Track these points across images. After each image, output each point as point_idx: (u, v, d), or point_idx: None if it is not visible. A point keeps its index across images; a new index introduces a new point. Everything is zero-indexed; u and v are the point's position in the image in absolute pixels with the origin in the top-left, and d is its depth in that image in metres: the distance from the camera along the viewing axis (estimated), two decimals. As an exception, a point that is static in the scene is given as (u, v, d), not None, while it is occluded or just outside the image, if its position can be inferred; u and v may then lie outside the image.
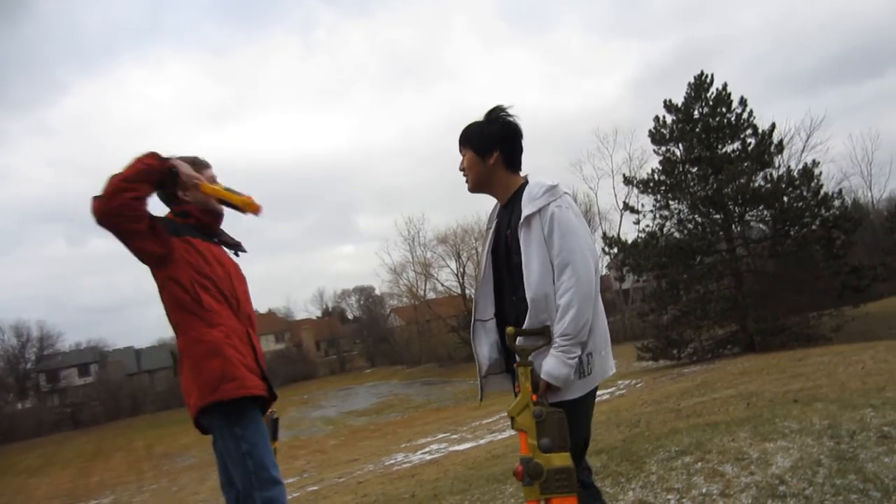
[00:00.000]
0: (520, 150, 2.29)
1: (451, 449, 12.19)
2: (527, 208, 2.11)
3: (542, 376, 2.02)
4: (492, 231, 2.32)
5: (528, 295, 2.09)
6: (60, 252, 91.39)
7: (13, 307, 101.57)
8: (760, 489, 2.93)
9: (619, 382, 18.49)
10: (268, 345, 57.97)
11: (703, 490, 3.05)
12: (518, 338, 2.08)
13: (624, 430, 6.71)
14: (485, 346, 2.28)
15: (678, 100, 21.51)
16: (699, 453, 3.79)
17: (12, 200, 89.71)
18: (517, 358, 2.06)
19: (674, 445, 4.16)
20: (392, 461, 12.09)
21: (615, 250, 23.18)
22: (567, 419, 1.97)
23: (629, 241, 22.19)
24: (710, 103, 21.00)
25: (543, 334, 2.05)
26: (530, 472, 1.89)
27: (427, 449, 13.17)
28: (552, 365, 2.01)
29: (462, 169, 2.31)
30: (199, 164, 2.54)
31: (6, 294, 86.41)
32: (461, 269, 45.88)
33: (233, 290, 2.47)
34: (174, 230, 2.37)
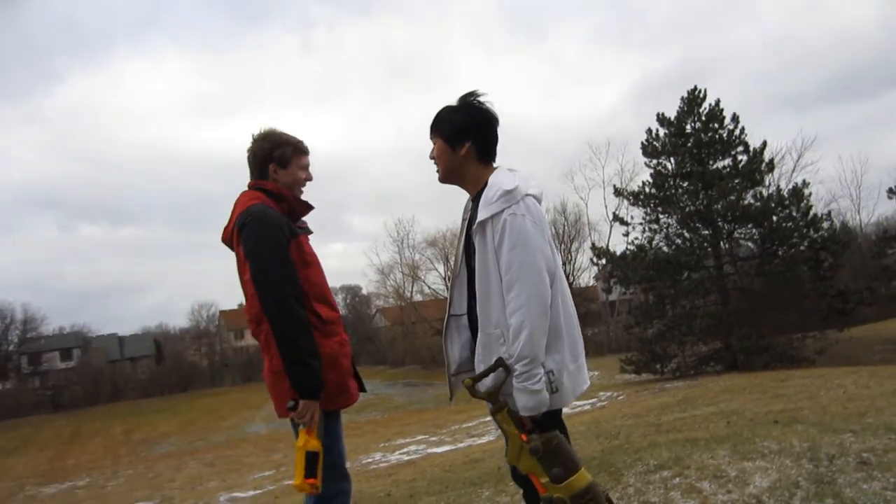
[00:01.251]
0: (494, 140, 2.15)
1: (429, 451, 12.15)
2: (481, 212, 1.99)
3: (521, 413, 1.93)
4: (465, 224, 2.22)
5: (479, 321, 2.02)
6: (50, 237, 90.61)
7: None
8: (737, 508, 2.93)
9: (601, 394, 18.53)
10: (251, 338, 57.62)
11: (679, 505, 3.05)
12: (477, 384, 1.99)
13: (603, 441, 6.71)
14: (456, 345, 2.19)
15: (671, 114, 21.63)
16: (677, 468, 3.78)
17: (3, 184, 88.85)
18: (488, 405, 1.99)
19: (652, 459, 4.15)
20: (370, 460, 12.04)
21: (603, 261, 23.25)
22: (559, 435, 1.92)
23: (618, 253, 22.28)
24: (703, 119, 21.14)
25: (501, 367, 1.94)
26: None
27: (405, 449, 13.13)
28: (522, 399, 1.91)
29: (432, 157, 2.18)
30: (298, 149, 2.43)
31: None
32: (449, 273, 45.81)
33: (329, 290, 2.44)
34: (290, 231, 2.29)
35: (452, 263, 2.31)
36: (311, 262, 2.35)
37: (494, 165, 2.16)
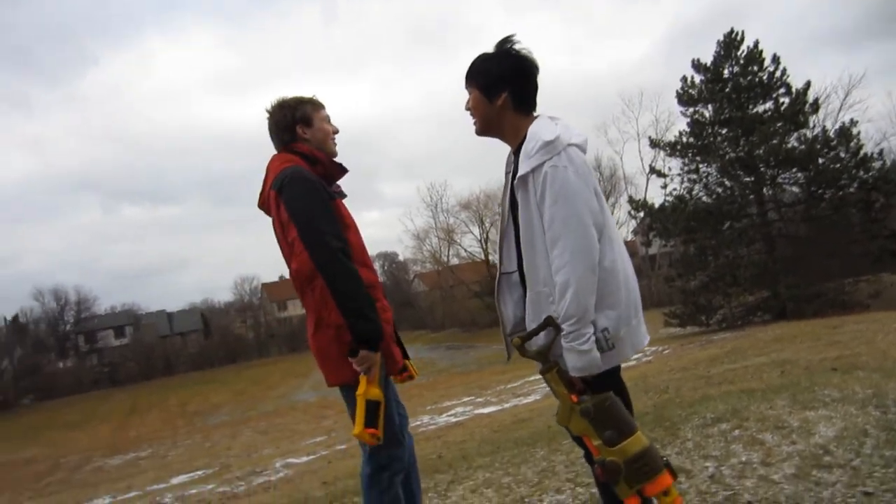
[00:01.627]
0: (533, 88, 2.02)
1: (475, 412, 12.26)
2: (522, 166, 1.89)
3: (572, 373, 1.83)
4: (508, 178, 2.07)
5: (527, 278, 1.93)
6: (94, 219, 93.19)
7: (51, 272, 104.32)
8: (804, 458, 2.83)
9: (646, 349, 18.38)
10: (295, 309, 58.77)
11: (743, 458, 2.96)
12: (526, 343, 1.90)
13: (653, 396, 6.64)
14: (509, 303, 2.08)
15: (707, 59, 20.86)
16: (736, 420, 3.69)
17: (47, 169, 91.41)
18: (538, 365, 1.90)
19: (708, 412, 4.07)
20: (418, 423, 12.20)
21: (641, 215, 22.83)
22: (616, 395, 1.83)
23: (656, 206, 21.84)
24: (741, 62, 20.34)
25: (550, 326, 1.85)
26: (610, 473, 1.75)
27: (452, 412, 13.27)
28: (571, 359, 1.82)
29: (468, 109, 2.06)
30: (315, 105, 2.39)
31: (45, 260, 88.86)
32: (484, 235, 45.73)
33: (368, 255, 2.38)
34: (329, 194, 2.23)
35: (500, 220, 2.17)
36: (349, 225, 2.30)
37: (535, 115, 2.03)
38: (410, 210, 79.72)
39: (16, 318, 57.57)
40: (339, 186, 2.42)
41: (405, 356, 2.46)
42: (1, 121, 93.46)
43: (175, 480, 11.85)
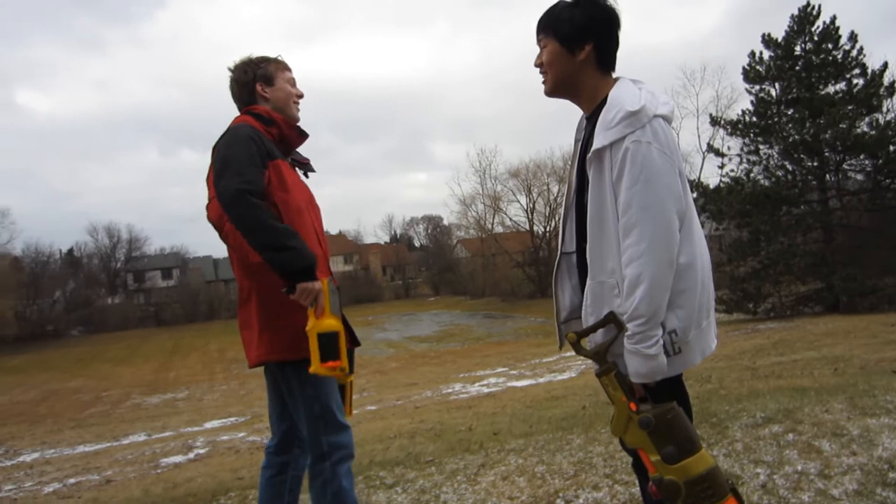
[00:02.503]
0: (616, 44, 1.77)
1: (509, 384, 12.14)
2: (598, 138, 1.65)
3: (633, 379, 1.62)
4: (579, 147, 1.85)
5: (590, 266, 1.69)
6: (152, 161, 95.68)
7: (107, 210, 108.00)
8: (866, 473, 2.58)
9: (688, 331, 17.93)
10: (336, 265, 59.51)
11: (798, 467, 2.72)
12: (581, 340, 1.68)
13: (694, 384, 6.36)
14: (566, 288, 1.87)
15: (779, 34, 19.76)
16: (789, 423, 3.44)
17: (111, 109, 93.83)
18: (594, 366, 1.68)
19: (758, 410, 3.81)
20: (450, 390, 12.17)
21: (695, 195, 22.08)
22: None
23: (711, 186, 21.09)
24: (815, 38, 19.19)
25: (612, 323, 1.63)
26: (667, 493, 1.55)
27: (485, 382, 13.18)
28: (634, 363, 1.60)
29: (539, 64, 1.79)
30: (280, 65, 2.29)
31: (102, 197, 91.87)
32: (531, 205, 45.25)
33: (316, 227, 2.23)
34: (267, 152, 2.09)
35: (565, 193, 1.92)
36: (290, 189, 2.11)
37: (614, 76, 1.78)
38: (458, 174, 79.38)
39: (70, 251, 59.94)
40: (303, 157, 2.33)
41: (354, 342, 2.23)
42: (73, 59, 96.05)
43: (208, 425, 12.13)
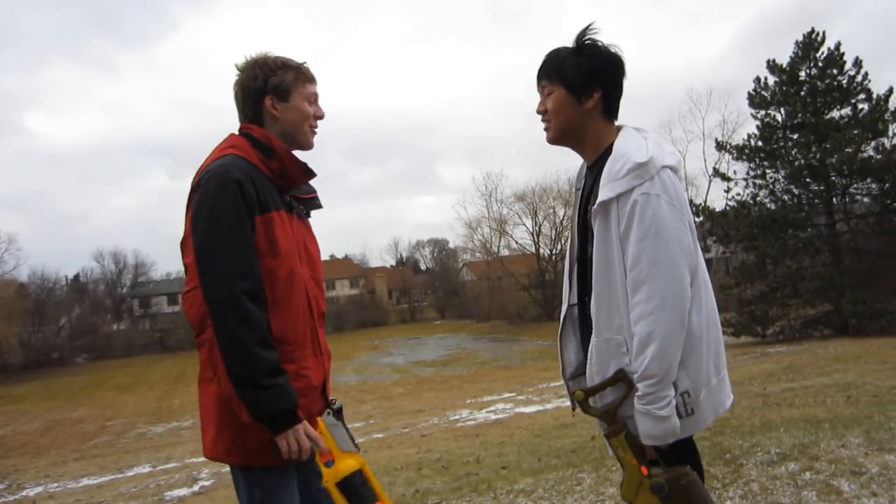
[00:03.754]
0: (621, 92, 1.72)
1: (516, 410, 12.00)
2: (604, 190, 1.58)
3: (644, 441, 1.55)
4: (580, 196, 1.79)
5: (595, 323, 1.62)
6: (160, 185, 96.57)
7: (115, 234, 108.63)
8: (888, 517, 2.51)
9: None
10: (342, 289, 59.59)
11: (818, 510, 2.65)
12: (590, 399, 1.62)
13: (705, 413, 6.27)
14: (571, 344, 1.80)
15: (783, 60, 19.90)
16: (805, 460, 3.36)
17: (121, 132, 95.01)
18: (602, 426, 1.63)
19: (773, 446, 3.73)
20: (456, 417, 12.04)
21: (701, 219, 22.11)
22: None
23: (717, 210, 21.12)
24: (820, 64, 19.38)
25: (622, 381, 1.57)
26: None
27: (492, 408, 13.04)
28: (645, 425, 1.53)
29: (542, 111, 1.73)
30: (301, 75, 1.80)
31: (109, 221, 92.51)
32: (537, 228, 45.34)
33: (309, 289, 1.78)
34: (258, 204, 1.64)
35: (568, 245, 1.86)
36: (281, 251, 1.67)
37: (617, 125, 1.74)
38: (464, 198, 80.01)
39: (76, 277, 60.11)
40: (314, 192, 1.90)
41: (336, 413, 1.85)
42: (85, 81, 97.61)
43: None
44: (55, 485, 11.12)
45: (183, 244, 1.67)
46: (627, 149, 1.61)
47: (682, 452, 1.61)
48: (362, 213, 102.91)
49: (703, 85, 75.89)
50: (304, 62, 1.83)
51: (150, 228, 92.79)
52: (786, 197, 20.14)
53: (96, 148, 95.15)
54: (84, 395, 30.91)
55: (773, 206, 20.01)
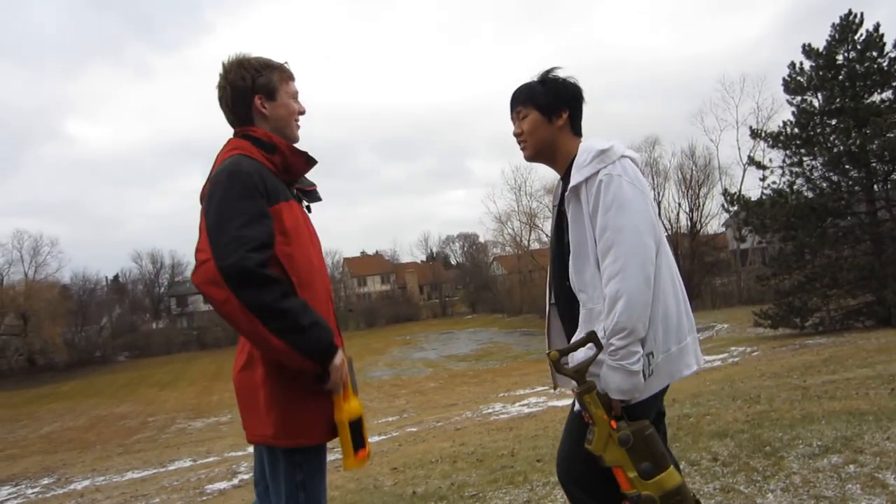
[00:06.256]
0: (582, 113, 1.99)
1: (549, 404, 11.97)
2: (574, 177, 1.82)
3: (613, 396, 1.69)
4: (555, 210, 2.03)
5: (580, 297, 1.83)
6: (196, 186, 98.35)
7: (150, 234, 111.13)
8: (936, 510, 2.46)
9: (733, 349, 17.49)
10: (374, 285, 60.00)
11: (863, 503, 2.60)
12: (563, 358, 1.76)
13: (742, 406, 6.17)
14: (558, 336, 2.04)
15: (819, 44, 19.37)
16: (849, 453, 3.29)
17: (157, 135, 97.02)
18: (574, 384, 1.74)
19: (815, 438, 3.67)
20: (490, 410, 12.06)
21: (735, 208, 21.68)
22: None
23: (753, 199, 20.66)
24: (858, 47, 18.76)
25: (592, 342, 1.71)
26: None
27: (525, 401, 13.03)
28: (616, 379, 1.68)
29: (518, 133, 1.98)
30: (284, 74, 1.92)
31: (146, 222, 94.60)
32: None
33: (326, 280, 1.92)
34: (270, 194, 1.74)
35: (549, 253, 2.07)
36: (296, 238, 1.78)
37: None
38: (494, 192, 79.83)
39: (116, 278, 61.64)
40: (311, 184, 1.99)
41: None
42: (123, 86, 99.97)
43: (251, 449, 12.21)
44: (101, 478, 11.46)
45: (200, 230, 1.74)
46: (591, 142, 1.86)
47: (643, 409, 1.77)
48: (393, 209, 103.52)
49: (735, 72, 74.11)
50: (285, 61, 1.95)
51: (185, 229, 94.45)
52: (824, 185, 19.60)
53: (133, 151, 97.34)
54: (126, 392, 31.76)
55: (810, 195, 19.50)
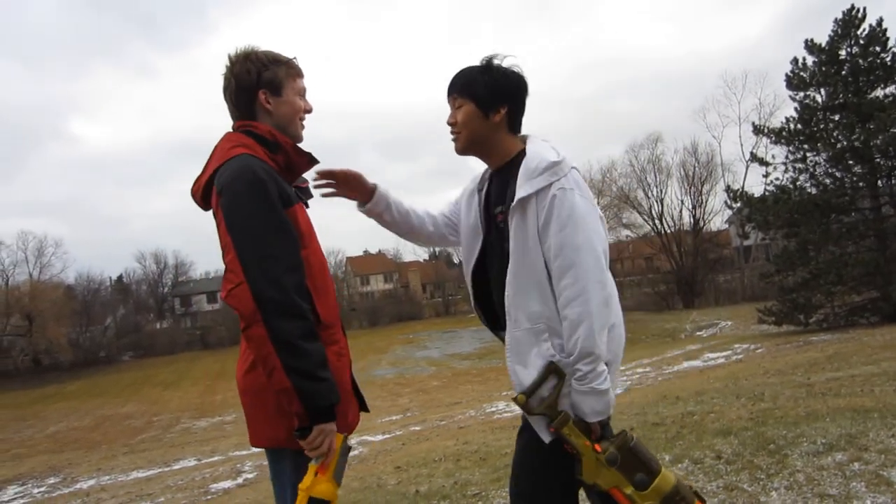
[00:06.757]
0: (524, 109, 1.88)
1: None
2: (522, 188, 1.71)
3: (590, 420, 1.66)
4: (480, 198, 1.93)
5: (511, 315, 1.75)
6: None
7: (156, 235, 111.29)
8: (941, 507, 2.45)
9: (736, 346, 17.46)
10: (377, 284, 60.06)
11: (868, 501, 2.59)
12: (530, 399, 1.69)
13: (746, 403, 6.16)
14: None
15: (822, 39, 19.30)
16: (853, 451, 3.28)
17: (159, 135, 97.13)
18: (544, 420, 1.69)
19: (819, 436, 3.66)
20: (493, 409, 12.05)
21: (739, 205, 21.60)
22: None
23: (755, 196, 20.59)
24: (861, 42, 18.66)
25: (553, 373, 1.66)
26: None
27: (529, 400, 13.02)
28: (589, 402, 1.64)
29: (452, 123, 1.86)
30: (292, 70, 1.86)
31: (149, 222, 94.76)
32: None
33: (330, 277, 1.87)
34: (284, 199, 1.69)
35: (463, 242, 1.99)
36: (308, 238, 1.75)
37: (521, 135, 1.90)
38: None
39: (120, 278, 61.77)
40: (305, 181, 1.93)
41: (363, 408, 1.93)
42: (126, 86, 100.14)
43: (256, 449, 12.23)
44: (107, 478, 11.49)
45: (222, 240, 1.68)
46: (540, 151, 1.76)
47: (608, 423, 1.74)
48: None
49: (737, 68, 73.86)
50: (294, 57, 1.88)
51: (188, 229, 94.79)
52: (828, 181, 19.53)
53: (136, 151, 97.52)
54: (130, 392, 31.83)
55: (814, 191, 19.43)
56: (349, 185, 2.00)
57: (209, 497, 7.19)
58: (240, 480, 8.05)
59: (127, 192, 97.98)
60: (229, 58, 1.82)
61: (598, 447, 1.65)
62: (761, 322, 20.21)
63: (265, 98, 1.80)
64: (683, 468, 3.51)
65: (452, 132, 1.87)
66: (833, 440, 3.52)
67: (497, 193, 1.86)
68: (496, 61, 1.83)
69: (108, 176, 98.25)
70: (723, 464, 3.41)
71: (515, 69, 1.84)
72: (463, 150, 1.88)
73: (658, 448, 4.15)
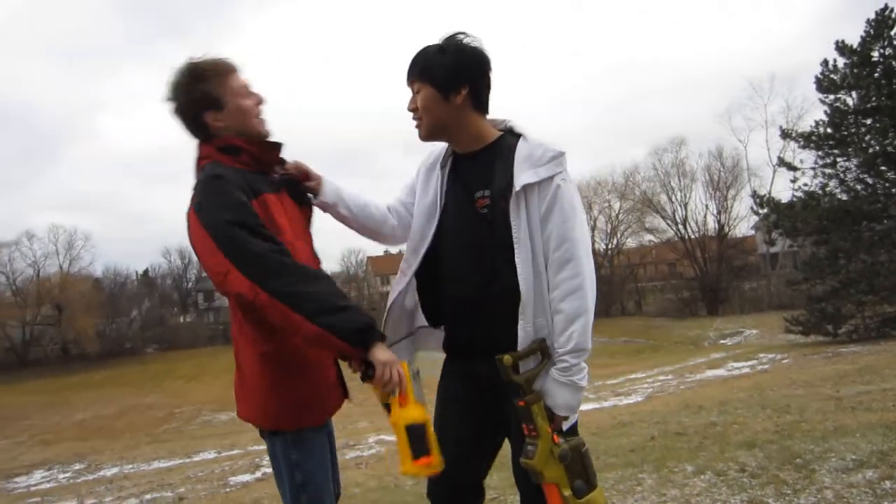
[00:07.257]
0: (489, 87, 1.78)
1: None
2: (527, 174, 1.66)
3: (560, 412, 1.62)
4: (443, 175, 1.84)
5: (522, 297, 1.66)
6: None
7: (179, 230, 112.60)
8: (977, 531, 2.36)
9: (762, 355, 17.18)
10: (382, 286, 60.24)
11: (899, 522, 2.51)
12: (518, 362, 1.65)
13: (772, 415, 6.04)
14: (399, 312, 1.99)
15: (854, 40, 18.86)
16: (885, 468, 3.18)
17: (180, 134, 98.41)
18: (518, 392, 1.63)
19: (849, 452, 3.56)
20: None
21: (765, 210, 21.22)
22: None
23: (783, 202, 20.22)
24: (895, 43, 18.20)
25: (539, 351, 1.65)
26: None
27: (549, 404, 12.93)
28: (564, 395, 1.62)
29: (413, 109, 1.78)
30: (221, 72, 1.78)
31: (174, 218, 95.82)
32: (592, 222, 44.59)
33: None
34: (249, 188, 1.69)
35: (418, 217, 1.89)
36: (281, 226, 1.71)
37: (489, 118, 1.82)
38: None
39: (146, 272, 62.75)
40: (284, 167, 1.88)
41: (346, 396, 1.88)
42: (153, 83, 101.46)
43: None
44: (129, 466, 11.69)
45: (213, 274, 1.67)
46: (540, 140, 1.74)
47: (575, 429, 1.72)
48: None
49: (763, 71, 72.54)
50: (220, 56, 1.80)
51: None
52: (859, 187, 19.11)
53: (162, 148, 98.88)
54: (154, 384, 32.33)
55: (844, 197, 19.04)
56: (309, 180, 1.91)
57: (228, 490, 7.25)
58: (258, 474, 8.11)
59: (154, 189, 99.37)
60: (169, 85, 1.77)
61: (556, 438, 1.63)
62: (788, 331, 19.86)
63: (212, 117, 1.76)
64: (706, 480, 3.44)
65: (414, 118, 1.80)
66: (863, 456, 3.42)
67: (476, 177, 1.77)
68: (453, 40, 1.75)
69: (136, 173, 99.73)
70: (747, 477, 3.33)
71: (474, 45, 1.75)
72: (427, 135, 1.80)
73: (680, 458, 4.07)
